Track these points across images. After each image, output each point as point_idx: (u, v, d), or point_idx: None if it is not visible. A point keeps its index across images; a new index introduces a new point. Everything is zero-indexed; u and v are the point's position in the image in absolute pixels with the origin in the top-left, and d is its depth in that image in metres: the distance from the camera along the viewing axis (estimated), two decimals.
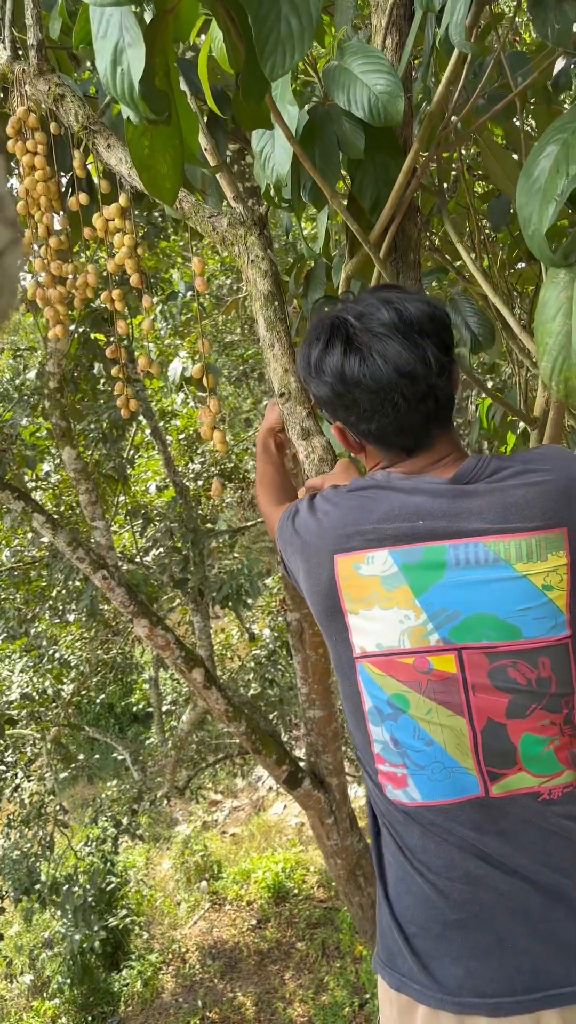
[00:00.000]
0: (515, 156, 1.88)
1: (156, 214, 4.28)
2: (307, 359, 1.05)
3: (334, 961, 5.69)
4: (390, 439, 1.01)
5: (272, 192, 1.21)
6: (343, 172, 1.21)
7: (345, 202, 1.30)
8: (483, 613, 0.92)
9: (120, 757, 6.27)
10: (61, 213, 1.72)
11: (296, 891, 6.50)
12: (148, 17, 0.93)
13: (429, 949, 0.98)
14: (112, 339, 1.62)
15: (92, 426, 4.73)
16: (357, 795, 7.05)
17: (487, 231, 2.38)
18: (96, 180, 1.67)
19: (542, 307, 0.84)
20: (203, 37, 1.39)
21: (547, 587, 0.91)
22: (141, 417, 5.29)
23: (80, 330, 4.35)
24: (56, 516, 4.66)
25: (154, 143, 0.97)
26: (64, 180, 1.86)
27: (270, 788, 7.51)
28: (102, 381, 4.76)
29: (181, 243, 5.14)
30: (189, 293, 4.98)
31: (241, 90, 0.86)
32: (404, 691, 0.95)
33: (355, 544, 0.96)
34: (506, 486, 0.93)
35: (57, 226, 1.71)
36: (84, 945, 5.31)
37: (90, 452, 4.90)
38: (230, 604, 4.92)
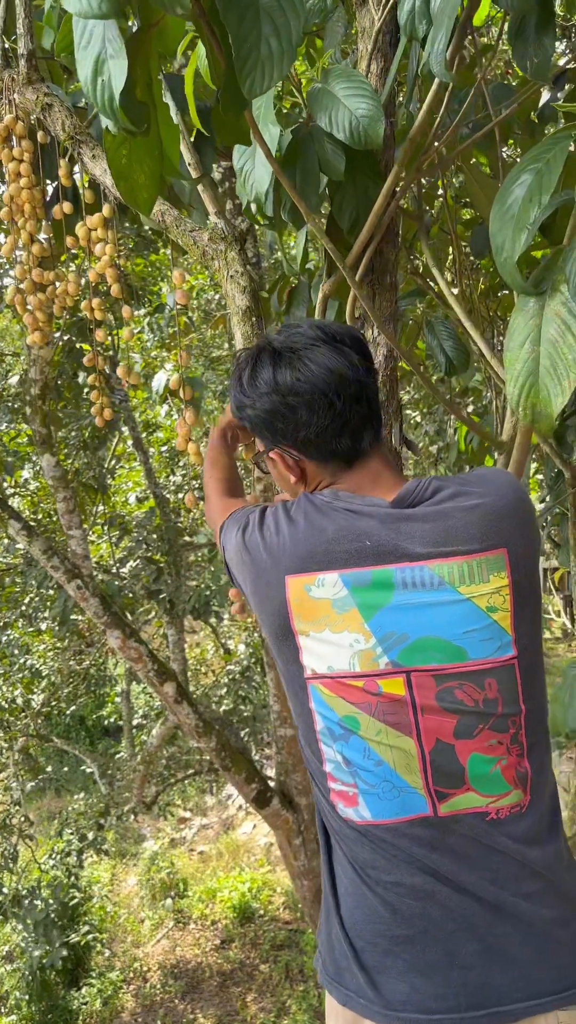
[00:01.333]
0: (500, 185, 1.90)
1: (147, 228, 4.30)
2: (238, 385, 1.07)
3: (297, 984, 5.63)
4: (329, 444, 1.02)
5: (253, 209, 1.22)
6: (324, 192, 1.22)
7: (324, 222, 1.32)
8: (431, 636, 0.92)
9: (89, 770, 6.19)
10: (45, 221, 1.72)
11: (262, 912, 6.43)
12: (132, 29, 0.93)
13: (376, 964, 0.98)
14: (94, 347, 1.61)
15: (73, 434, 4.71)
16: None
17: (471, 257, 2.41)
18: (81, 190, 1.68)
19: (511, 334, 0.85)
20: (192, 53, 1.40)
21: (491, 608, 0.92)
22: (124, 428, 5.27)
23: (65, 338, 4.35)
24: (32, 523, 4.63)
25: (132, 153, 0.97)
26: (50, 190, 1.86)
27: (240, 807, 7.44)
28: (86, 390, 4.75)
29: (170, 255, 5.16)
30: (177, 306, 4.99)
31: (220, 103, 0.86)
32: (354, 712, 0.96)
33: (306, 565, 0.97)
34: (445, 509, 0.95)
35: (42, 235, 1.71)
36: (44, 961, 5.21)
37: (70, 460, 4.88)
38: (200, 616, 4.90)
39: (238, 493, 1.32)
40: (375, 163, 1.24)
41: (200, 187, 1.47)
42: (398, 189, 1.24)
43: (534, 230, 0.80)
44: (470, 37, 1.40)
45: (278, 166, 1.06)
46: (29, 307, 1.64)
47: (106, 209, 1.56)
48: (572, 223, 0.84)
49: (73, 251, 1.74)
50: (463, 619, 0.92)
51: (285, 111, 1.42)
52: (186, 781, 6.14)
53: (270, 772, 5.38)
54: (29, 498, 5.57)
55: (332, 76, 1.15)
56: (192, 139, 1.50)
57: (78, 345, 4.36)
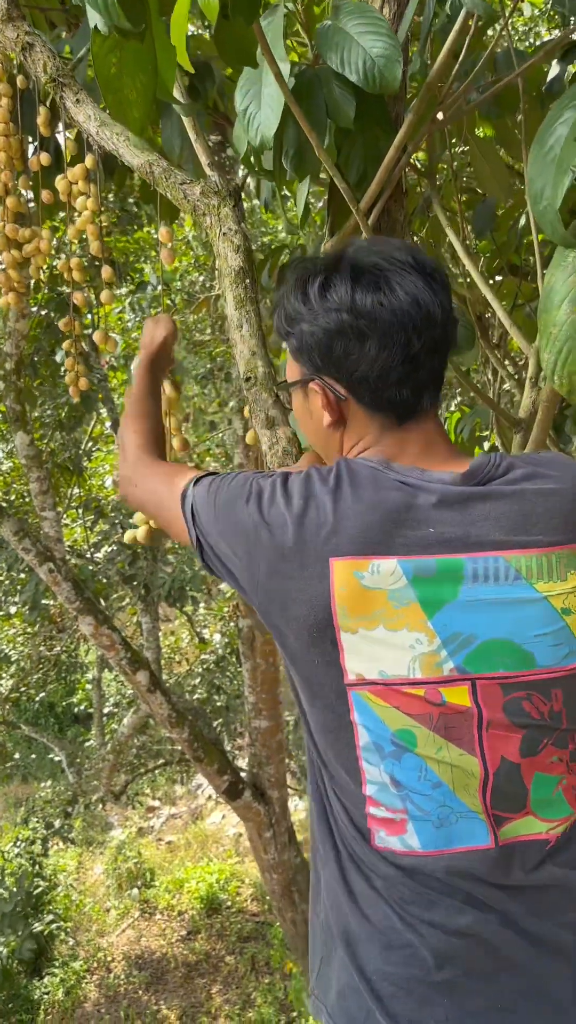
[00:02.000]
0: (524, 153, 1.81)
1: (131, 200, 4.15)
2: (300, 294, 0.89)
3: (263, 977, 5.57)
4: (387, 391, 0.86)
5: (252, 158, 1.11)
6: (328, 142, 1.12)
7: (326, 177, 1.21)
8: (499, 638, 0.79)
9: (57, 758, 6.07)
10: (22, 173, 1.60)
11: (229, 903, 6.36)
12: None
13: (410, 1013, 0.84)
14: (71, 311, 1.49)
15: (49, 413, 4.57)
16: (298, 808, 6.95)
17: (468, 241, 2.31)
18: (62, 141, 1.56)
19: (548, 293, 0.75)
20: None
21: (566, 611, 0.80)
22: (102, 409, 5.13)
23: (43, 312, 4.20)
24: (4, 504, 4.48)
25: (123, 62, 0.86)
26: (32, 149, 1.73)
27: (209, 797, 7.36)
28: (63, 369, 4.61)
29: (154, 234, 5.02)
30: (160, 287, 4.85)
31: (230, 7, 0.75)
32: (411, 726, 0.82)
33: (358, 547, 0.80)
34: (522, 491, 0.81)
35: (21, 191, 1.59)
36: (12, 952, 5.10)
37: (45, 440, 4.73)
38: (175, 602, 4.80)
39: (161, 449, 1.13)
40: (386, 112, 1.14)
41: (193, 137, 1.35)
42: (409, 145, 1.14)
43: None
44: None
45: (290, 94, 0.95)
46: (2, 264, 1.52)
47: (89, 160, 1.44)
48: None
49: (51, 211, 1.62)
50: (536, 621, 0.80)
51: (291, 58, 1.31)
52: (156, 771, 6.05)
53: (242, 763, 5.30)
54: (1, 477, 5.41)
55: (344, 12, 1.04)
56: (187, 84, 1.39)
57: (56, 321, 4.21)
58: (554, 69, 2.11)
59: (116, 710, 6.89)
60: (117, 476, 1.10)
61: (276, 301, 0.96)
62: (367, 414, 0.88)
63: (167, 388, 1.42)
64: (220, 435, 6.20)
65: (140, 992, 5.57)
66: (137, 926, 6.27)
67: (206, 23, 1.35)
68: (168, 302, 5.29)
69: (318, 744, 0.89)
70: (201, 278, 5.60)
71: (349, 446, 0.92)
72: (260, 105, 1.01)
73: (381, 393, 0.87)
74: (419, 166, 1.69)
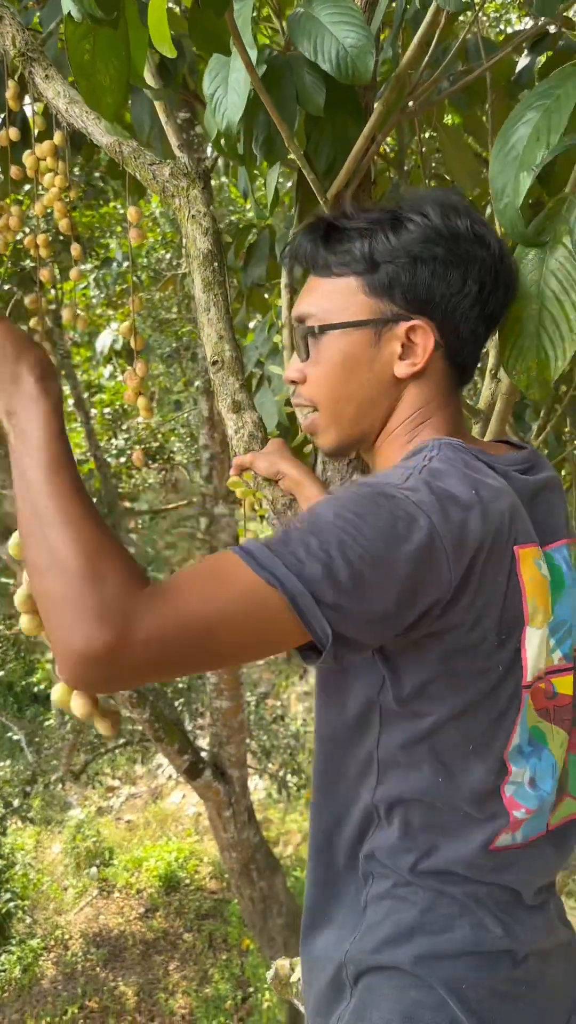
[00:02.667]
0: (490, 142, 1.83)
1: (97, 175, 4.09)
2: (390, 227, 0.80)
3: (220, 953, 5.64)
4: (470, 344, 0.81)
5: (222, 142, 1.11)
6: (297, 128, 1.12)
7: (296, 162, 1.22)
8: None
9: (16, 737, 6.04)
10: None
11: (188, 881, 6.42)
12: None
13: (504, 1017, 0.80)
14: (37, 288, 1.47)
15: None
16: (257, 787, 7.02)
17: None
18: (31, 115, 1.54)
19: None
20: None
21: None
22: (65, 386, 5.07)
23: (7, 287, 4.13)
24: None
25: (96, 48, 0.86)
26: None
27: (169, 776, 7.38)
28: None
29: (121, 210, 4.95)
30: (126, 263, 4.80)
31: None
32: (539, 721, 0.79)
33: (530, 534, 0.75)
34: (551, 479, 0.82)
35: None
36: None
37: None
38: None
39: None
40: (356, 100, 1.15)
41: (163, 119, 1.35)
42: (378, 134, 1.15)
43: (537, 171, 0.72)
44: None
45: (259, 80, 0.96)
46: None
47: (57, 137, 1.42)
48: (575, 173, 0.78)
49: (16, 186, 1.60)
50: None
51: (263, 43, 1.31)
52: (116, 751, 6.05)
53: (203, 743, 5.33)
54: None
55: (317, 0, 1.05)
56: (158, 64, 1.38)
57: (19, 296, 4.14)
58: (524, 60, 2.13)
59: None
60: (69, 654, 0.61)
61: (343, 233, 0.83)
62: (446, 370, 0.82)
63: (137, 367, 1.41)
64: (185, 415, 6.18)
65: (98, 969, 5.60)
66: (95, 904, 6.29)
67: (180, 5, 1.34)
68: (134, 279, 5.24)
69: (436, 750, 0.79)
70: (168, 255, 5.54)
71: (412, 409, 0.83)
72: (227, 90, 1.02)
73: (465, 346, 0.81)
74: (389, 153, 1.70)
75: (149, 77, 1.20)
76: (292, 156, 1.04)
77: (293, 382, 0.89)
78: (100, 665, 0.59)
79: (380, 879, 0.83)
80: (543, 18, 1.99)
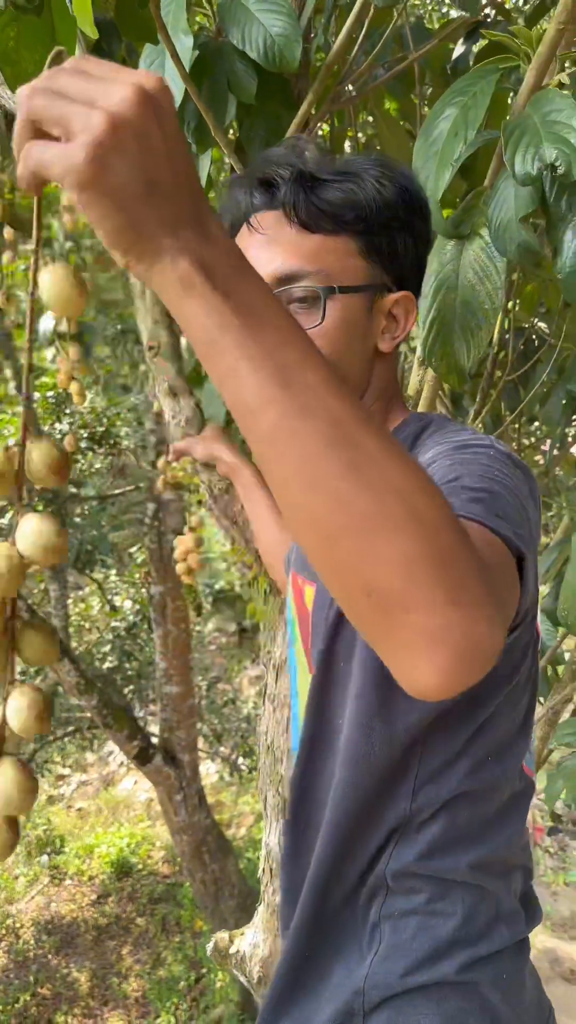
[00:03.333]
0: (416, 129, 1.86)
1: None
2: (415, 188, 0.77)
3: (173, 936, 5.67)
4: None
5: None
6: (232, 116, 1.13)
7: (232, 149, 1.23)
8: None
9: None
10: None
11: (140, 867, 6.43)
12: None
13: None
14: None
15: None
16: (209, 772, 7.06)
17: None
18: None
19: (426, 279, 0.80)
20: None
21: None
22: (6, 369, 4.97)
23: None
24: None
25: (21, 36, 0.85)
26: None
27: (121, 763, 7.37)
28: None
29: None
30: (68, 243, 4.71)
31: None
32: None
33: None
34: None
35: None
36: None
37: None
38: (85, 568, 4.75)
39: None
40: (288, 90, 1.16)
41: None
42: (311, 121, 1.16)
43: (458, 165, 0.75)
44: None
45: (187, 75, 0.96)
46: None
47: None
48: (495, 163, 0.80)
49: None
50: None
51: (196, 25, 1.31)
52: (65, 739, 6.01)
53: (154, 729, 5.33)
54: None
55: None
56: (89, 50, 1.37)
57: None
58: (460, 47, 2.16)
59: (23, 678, 6.77)
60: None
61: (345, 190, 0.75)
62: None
63: (69, 351, 1.41)
64: (132, 399, 6.11)
65: (50, 956, 5.59)
66: (47, 892, 6.27)
67: None
68: (76, 260, 5.14)
69: (490, 734, 0.77)
70: None
71: (383, 384, 0.81)
72: (163, 74, 1.02)
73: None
74: (324, 141, 1.71)
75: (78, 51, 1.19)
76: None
77: None
78: (484, 659, 0.44)
79: (404, 895, 0.79)
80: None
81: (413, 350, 2.21)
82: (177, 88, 0.98)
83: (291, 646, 1.00)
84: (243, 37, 1.02)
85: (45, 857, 6.43)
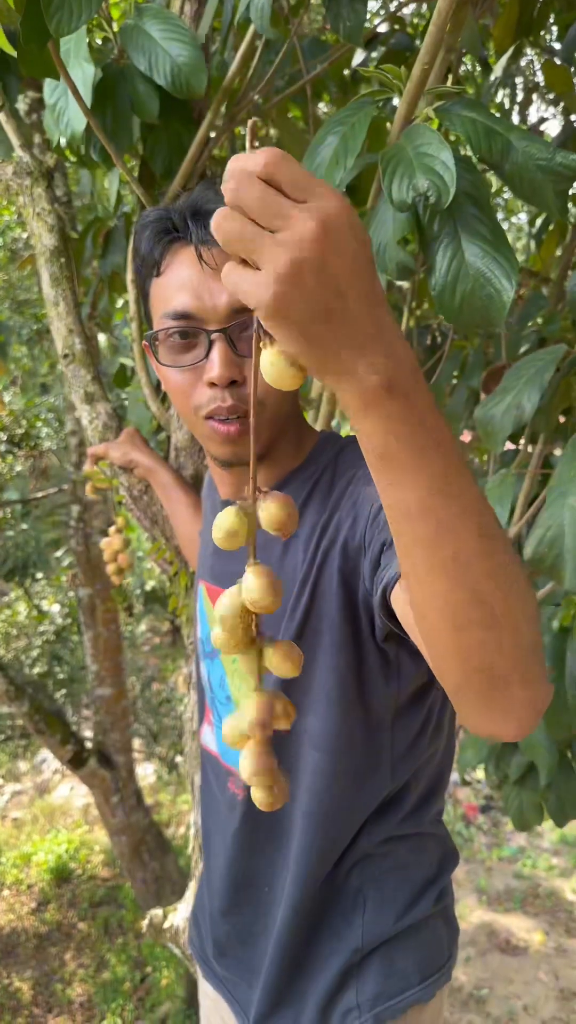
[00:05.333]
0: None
1: None
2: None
3: (116, 938, 5.66)
4: None
5: (63, 146, 1.15)
6: (136, 135, 1.18)
7: (138, 165, 1.27)
8: None
9: None
10: None
11: (80, 871, 6.38)
12: None
13: None
14: None
15: None
16: (146, 772, 7.05)
17: None
18: None
19: None
20: None
21: None
22: None
23: None
24: None
25: None
26: None
27: (56, 771, 7.28)
28: None
29: None
30: None
31: (22, 32, 0.81)
32: None
33: None
34: None
35: None
36: None
37: None
38: (15, 577, 4.69)
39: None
40: (188, 109, 1.22)
41: (2, 118, 1.37)
42: (212, 137, 1.22)
43: (340, 190, 0.82)
44: None
45: (88, 109, 1.01)
46: None
47: None
48: (375, 187, 0.88)
49: None
50: None
51: (96, 45, 1.35)
52: None
53: (88, 732, 5.30)
54: None
55: (146, 14, 1.11)
56: None
57: None
58: (359, 55, 2.25)
59: None
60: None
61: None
62: None
63: None
64: (52, 399, 6.04)
65: None
66: None
67: None
68: None
69: (436, 710, 0.91)
70: (25, 234, 5.38)
71: (295, 403, 0.89)
72: (68, 101, 1.06)
73: None
74: (228, 156, 1.77)
75: None
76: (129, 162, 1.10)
77: (231, 383, 0.81)
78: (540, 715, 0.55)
79: (383, 857, 0.93)
80: (379, 19, 2.10)
81: None
82: (79, 121, 1.03)
83: (209, 658, 1.03)
84: (149, 64, 1.07)
85: None
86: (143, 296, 0.87)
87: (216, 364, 0.79)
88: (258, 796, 0.55)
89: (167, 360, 0.83)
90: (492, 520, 0.49)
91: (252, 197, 0.44)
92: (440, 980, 0.94)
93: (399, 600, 0.66)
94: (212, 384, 0.80)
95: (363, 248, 0.46)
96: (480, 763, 1.46)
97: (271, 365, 0.48)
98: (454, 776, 6.00)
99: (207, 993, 1.12)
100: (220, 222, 0.45)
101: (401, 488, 0.47)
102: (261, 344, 0.49)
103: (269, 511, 0.51)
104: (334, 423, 1.57)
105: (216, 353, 0.79)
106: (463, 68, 2.40)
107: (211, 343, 0.79)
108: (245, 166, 0.44)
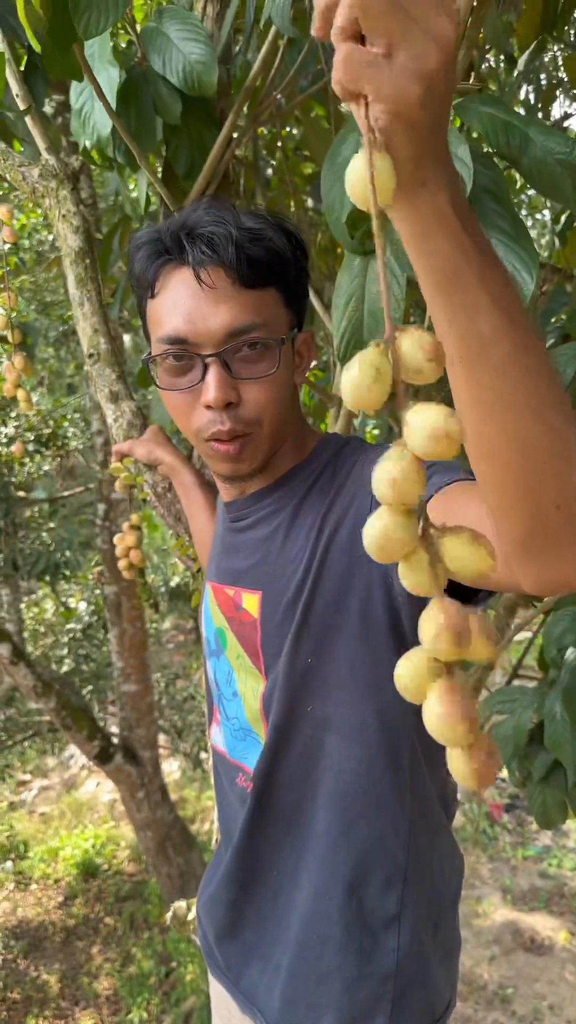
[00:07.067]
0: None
1: None
2: (287, 236, 0.85)
3: (142, 933, 5.71)
4: None
5: (91, 150, 1.17)
6: (160, 136, 1.20)
7: (161, 166, 1.29)
8: None
9: None
10: None
11: (106, 867, 6.45)
12: None
13: None
14: None
15: None
16: (172, 769, 7.10)
17: (309, 212, 2.44)
18: None
19: (337, 291, 0.88)
20: None
21: None
22: None
23: None
24: None
25: None
26: None
27: (83, 766, 7.36)
28: None
29: None
30: (7, 246, 4.69)
31: (47, 37, 0.82)
32: None
33: None
34: None
35: None
36: None
37: None
38: (43, 576, 4.74)
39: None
40: (211, 109, 1.23)
41: (30, 121, 1.39)
42: (235, 137, 1.23)
43: None
44: None
45: (112, 111, 1.03)
46: None
47: None
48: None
49: None
50: None
51: (120, 48, 1.37)
52: (25, 743, 5.99)
53: (114, 729, 5.35)
54: None
55: (166, 16, 1.12)
56: (23, 69, 1.41)
57: None
58: None
59: None
60: None
61: (251, 237, 0.81)
62: None
63: (15, 360, 1.45)
64: (79, 399, 6.10)
65: (19, 961, 5.58)
66: (12, 898, 6.24)
67: None
68: (16, 261, 5.12)
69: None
70: (51, 237, 5.44)
71: (298, 412, 0.92)
72: (94, 105, 1.08)
73: None
74: (248, 157, 1.78)
75: (13, 82, 1.24)
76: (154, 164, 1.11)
77: (227, 405, 0.82)
78: None
79: (417, 881, 0.92)
80: None
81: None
82: (104, 124, 1.05)
83: (215, 656, 1.04)
84: (164, 64, 1.09)
85: (9, 863, 6.40)
86: (141, 316, 0.88)
87: (212, 387, 0.80)
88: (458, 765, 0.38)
89: (165, 383, 0.85)
90: (550, 356, 0.48)
91: None
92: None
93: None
94: (208, 407, 0.82)
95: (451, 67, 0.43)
96: (504, 762, 1.46)
97: (385, 173, 0.40)
98: None
99: (213, 986, 1.13)
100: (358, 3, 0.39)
101: (474, 312, 0.46)
102: (374, 143, 0.40)
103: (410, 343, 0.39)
104: (356, 422, 1.57)
105: (211, 376, 0.80)
106: (487, 63, 2.39)
107: (206, 367, 0.81)
108: None
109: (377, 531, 0.37)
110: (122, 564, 1.38)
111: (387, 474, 0.37)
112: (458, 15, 0.42)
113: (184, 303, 0.80)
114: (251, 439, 0.85)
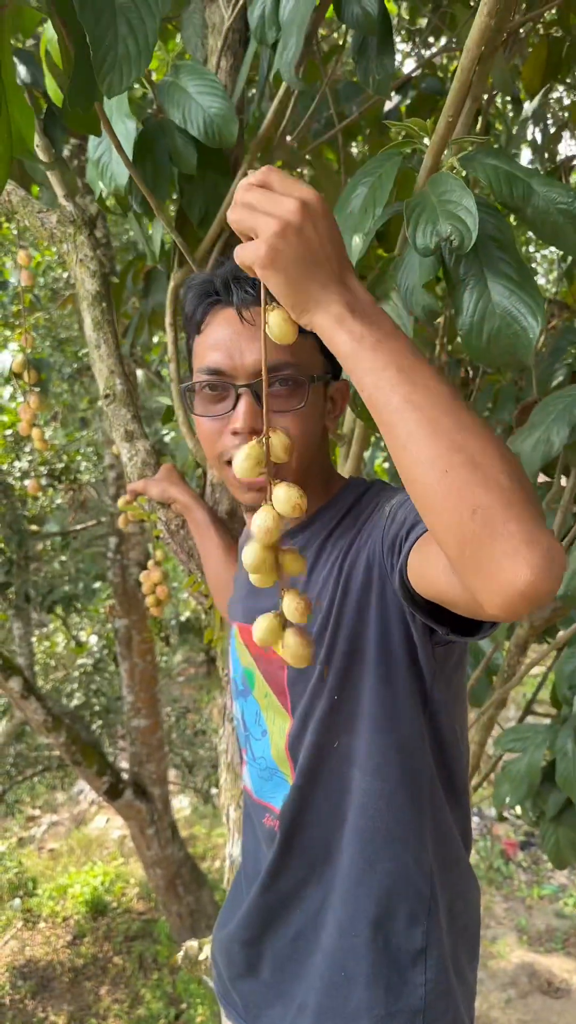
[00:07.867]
0: (344, 181, 1.99)
1: None
2: None
3: (151, 973, 5.62)
4: None
5: (106, 198, 1.21)
6: (175, 185, 1.23)
7: (174, 213, 1.33)
8: None
9: None
10: None
11: (115, 904, 6.36)
12: None
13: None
14: None
15: None
16: (182, 805, 7.03)
17: None
18: None
19: None
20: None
21: None
22: None
23: None
24: None
25: None
26: None
27: (92, 802, 7.31)
28: None
29: (15, 231, 4.93)
30: (22, 284, 4.78)
31: (68, 96, 0.86)
32: None
33: None
34: None
35: None
36: None
37: None
38: (58, 611, 4.75)
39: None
40: (224, 159, 1.27)
41: (49, 174, 1.44)
42: None
43: (369, 237, 0.86)
44: (319, 40, 1.46)
45: (130, 162, 1.07)
46: None
47: None
48: (402, 235, 0.91)
49: None
50: None
51: (135, 100, 1.41)
52: (35, 778, 5.96)
53: (124, 764, 5.32)
54: None
55: (183, 71, 1.17)
56: (42, 117, 1.47)
57: None
58: (394, 98, 2.31)
59: None
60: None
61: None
62: None
63: (30, 400, 1.49)
64: (91, 433, 6.16)
65: (27, 1001, 5.49)
66: (20, 936, 6.16)
67: None
68: (31, 298, 5.22)
69: (458, 737, 0.95)
70: (65, 274, 5.55)
71: (325, 457, 0.97)
72: (112, 157, 1.12)
73: None
74: None
75: (36, 136, 1.29)
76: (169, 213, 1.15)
77: (253, 432, 0.86)
78: (560, 573, 0.54)
79: (443, 915, 0.93)
80: (415, 65, 2.15)
81: None
82: (122, 174, 1.09)
83: (242, 697, 1.06)
84: (184, 117, 1.13)
85: (17, 901, 6.32)
86: (188, 352, 0.94)
87: (241, 415, 0.86)
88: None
89: (200, 410, 0.91)
90: (450, 389, 0.61)
91: (251, 195, 0.63)
92: None
93: (415, 558, 0.71)
94: (235, 432, 0.87)
95: (332, 224, 0.64)
96: (517, 801, 1.45)
97: (276, 323, 0.66)
98: (491, 811, 5.86)
99: None
100: (231, 215, 0.64)
101: (374, 376, 0.61)
102: (268, 307, 0.66)
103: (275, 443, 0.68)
104: (366, 454, 1.59)
105: (242, 405, 0.86)
106: (496, 104, 2.45)
107: (238, 396, 0.87)
108: (247, 180, 0.64)
109: (250, 556, 0.65)
110: (149, 600, 1.41)
111: (262, 523, 0.65)
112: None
113: (225, 339, 0.87)
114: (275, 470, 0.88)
